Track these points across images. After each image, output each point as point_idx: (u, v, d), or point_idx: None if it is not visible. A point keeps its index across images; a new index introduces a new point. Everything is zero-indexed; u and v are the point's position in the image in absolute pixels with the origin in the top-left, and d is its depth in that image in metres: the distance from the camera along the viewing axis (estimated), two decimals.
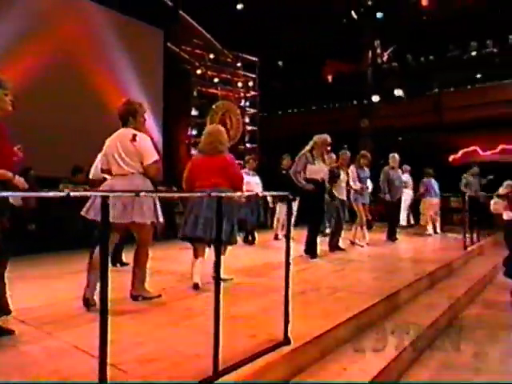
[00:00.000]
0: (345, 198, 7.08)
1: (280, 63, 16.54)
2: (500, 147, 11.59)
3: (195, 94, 13.18)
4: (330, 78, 15.14)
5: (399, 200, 8.57)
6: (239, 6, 14.92)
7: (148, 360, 2.32)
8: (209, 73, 13.45)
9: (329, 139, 6.05)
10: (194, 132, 13.14)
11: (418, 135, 12.15)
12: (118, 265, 5.08)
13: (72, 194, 1.62)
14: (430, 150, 11.83)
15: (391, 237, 8.24)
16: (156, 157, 3.54)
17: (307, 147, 5.97)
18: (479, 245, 7.95)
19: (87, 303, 3.25)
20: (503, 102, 11.13)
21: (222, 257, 4.34)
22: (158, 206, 3.57)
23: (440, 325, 3.92)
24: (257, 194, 2.26)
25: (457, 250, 7.00)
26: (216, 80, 13.68)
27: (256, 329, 2.81)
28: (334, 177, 6.74)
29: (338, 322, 3.00)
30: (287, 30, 13.96)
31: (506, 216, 4.89)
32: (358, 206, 7.45)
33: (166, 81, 12.00)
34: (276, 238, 8.16)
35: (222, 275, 4.30)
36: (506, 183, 5.01)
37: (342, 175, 7.05)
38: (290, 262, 2.56)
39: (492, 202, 5.18)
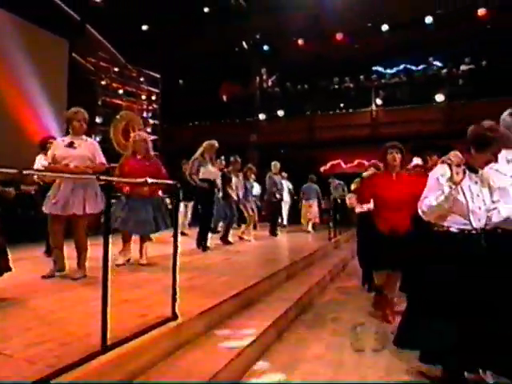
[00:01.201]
0: (235, 199, 7.22)
1: (181, 81, 16.30)
2: (356, 161, 12.67)
3: (100, 103, 12.34)
4: (225, 97, 15.29)
5: (281, 200, 8.94)
6: (144, 27, 14.46)
7: (36, 343, 2.09)
8: (113, 85, 12.70)
9: (216, 144, 6.05)
10: (98, 139, 12.28)
11: (295, 149, 12.77)
12: None
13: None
14: (306, 161, 12.53)
15: (273, 232, 8.55)
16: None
17: (198, 152, 5.94)
18: (338, 238, 8.54)
19: None
20: (359, 126, 12.28)
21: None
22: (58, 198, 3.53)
23: (309, 298, 4.16)
24: (146, 181, 2.12)
25: (323, 243, 7.48)
26: (120, 91, 12.97)
27: (147, 309, 2.70)
28: (226, 179, 6.87)
29: (222, 300, 3.01)
30: (188, 52, 13.85)
31: (358, 209, 4.92)
32: (247, 207, 7.61)
33: (70, 89, 11.05)
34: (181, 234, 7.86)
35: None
36: (355, 180, 5.21)
37: (234, 179, 7.21)
38: (178, 245, 2.50)
39: (347, 197, 5.37)
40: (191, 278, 3.72)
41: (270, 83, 14.93)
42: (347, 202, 5.24)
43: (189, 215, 8.17)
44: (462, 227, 2.28)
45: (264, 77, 14.73)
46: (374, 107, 12.51)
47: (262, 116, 13.59)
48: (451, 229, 2.30)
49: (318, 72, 13.10)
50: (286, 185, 10.52)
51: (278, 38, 13.53)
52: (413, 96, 12.10)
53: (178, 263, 2.50)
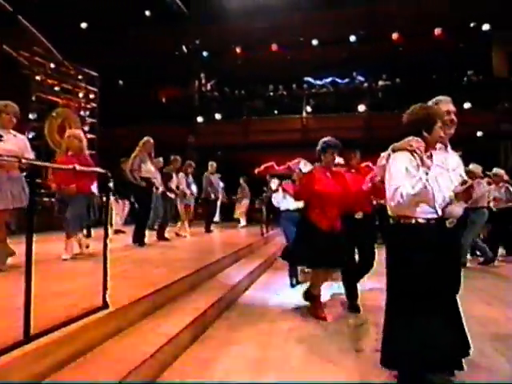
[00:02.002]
0: (173, 197, 7.10)
1: (120, 82, 15.63)
2: (287, 164, 13.00)
3: (34, 98, 11.38)
4: (164, 99, 14.92)
5: (216, 199, 8.92)
6: (83, 25, 13.64)
7: None
8: (49, 81, 11.78)
9: (151, 140, 5.87)
10: (31, 135, 11.32)
11: (232, 151, 12.83)
12: None
13: None
14: (241, 163, 12.63)
15: (208, 229, 8.50)
16: None
17: (137, 149, 5.75)
18: (269, 234, 8.49)
19: None
20: (290, 131, 12.67)
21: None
22: None
23: (241, 287, 4.19)
24: (74, 167, 2.00)
25: (255, 238, 7.58)
26: (57, 88, 12.06)
27: (78, 300, 2.54)
28: (166, 177, 6.75)
29: (155, 289, 2.94)
30: (128, 53, 13.32)
31: (282, 207, 5.00)
32: (181, 206, 7.50)
33: (0, 82, 10.08)
34: (118, 232, 7.53)
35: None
36: (272, 180, 5.25)
37: (174, 177, 7.09)
38: (109, 235, 2.40)
39: (273, 196, 5.49)
40: (126, 271, 3.60)
41: (208, 87, 14.85)
42: (273, 200, 5.32)
43: (125, 213, 7.87)
44: (429, 216, 2.09)
45: (203, 81, 14.63)
46: (304, 114, 12.98)
47: (200, 118, 13.47)
48: (419, 220, 2.09)
49: (255, 79, 13.30)
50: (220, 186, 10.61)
51: (217, 45, 13.54)
52: (339, 105, 12.78)
53: (108, 251, 2.40)
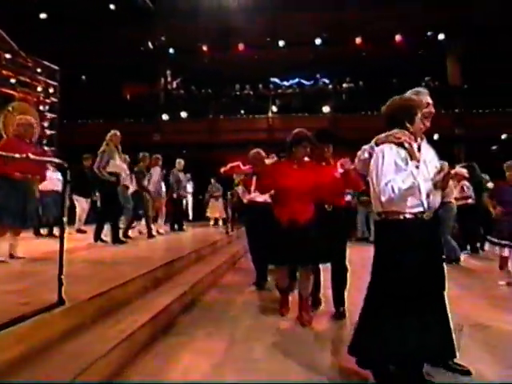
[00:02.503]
0: (148, 196, 6.96)
1: (83, 77, 15.09)
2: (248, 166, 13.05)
3: None
4: (128, 96, 14.54)
5: (184, 197, 8.86)
6: (43, 16, 13.00)
7: None
8: (4, 72, 11.16)
9: (118, 133, 5.68)
10: None
11: (197, 150, 12.69)
12: None
13: None
14: (208, 162, 12.50)
15: (178, 227, 8.39)
16: None
17: (104, 145, 5.55)
18: (233, 233, 8.36)
19: None
20: (256, 130, 12.70)
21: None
22: None
23: (204, 285, 4.17)
24: (28, 156, 1.87)
25: (221, 236, 7.60)
26: (13, 80, 11.43)
27: (30, 298, 2.44)
28: (139, 175, 6.66)
29: (114, 285, 2.87)
30: (91, 47, 12.87)
31: (245, 201, 4.97)
32: (158, 202, 7.41)
33: None
34: (80, 231, 7.22)
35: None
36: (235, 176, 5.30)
37: (147, 175, 7.00)
38: (65, 227, 2.32)
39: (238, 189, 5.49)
40: (85, 268, 3.50)
41: (174, 85, 14.63)
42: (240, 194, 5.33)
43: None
44: (416, 210, 2.01)
45: (169, 78, 14.40)
46: (270, 114, 13.10)
47: (165, 116, 13.23)
48: (407, 215, 2.01)
49: (221, 78, 13.26)
50: (190, 184, 10.57)
51: (184, 43, 13.38)
52: (304, 106, 12.99)
53: (64, 246, 2.32)
